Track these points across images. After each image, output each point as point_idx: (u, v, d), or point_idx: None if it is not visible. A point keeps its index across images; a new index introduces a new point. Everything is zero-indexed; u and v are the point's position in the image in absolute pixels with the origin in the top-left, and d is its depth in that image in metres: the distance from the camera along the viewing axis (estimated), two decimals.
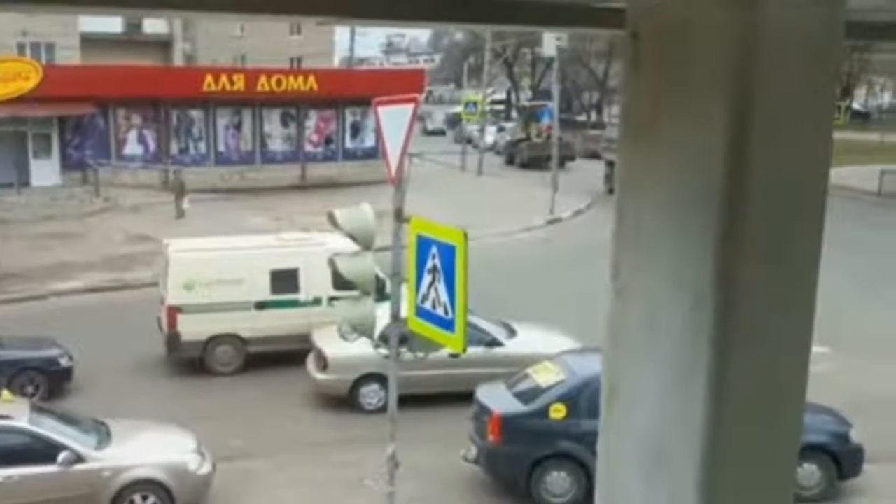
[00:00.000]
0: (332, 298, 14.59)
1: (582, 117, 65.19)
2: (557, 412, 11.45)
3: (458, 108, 49.83)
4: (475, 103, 43.55)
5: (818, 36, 2.22)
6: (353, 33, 50.82)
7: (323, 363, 14.48)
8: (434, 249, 7.27)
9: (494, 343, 14.64)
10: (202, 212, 29.76)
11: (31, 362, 14.85)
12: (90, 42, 40.40)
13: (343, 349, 14.02)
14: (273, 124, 36.11)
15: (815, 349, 2.56)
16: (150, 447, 11.61)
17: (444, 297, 7.18)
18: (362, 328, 8.69)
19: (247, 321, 15.92)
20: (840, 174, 29.74)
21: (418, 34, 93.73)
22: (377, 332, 8.86)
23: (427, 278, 7.35)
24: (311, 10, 2.44)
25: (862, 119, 60.55)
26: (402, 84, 28.81)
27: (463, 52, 68.48)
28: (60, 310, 19.68)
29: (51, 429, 11.11)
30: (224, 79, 33.88)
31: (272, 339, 15.72)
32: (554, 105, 37.87)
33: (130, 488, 11.03)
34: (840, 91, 52.94)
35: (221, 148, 35.27)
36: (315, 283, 15.64)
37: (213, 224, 27.56)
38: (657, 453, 2.51)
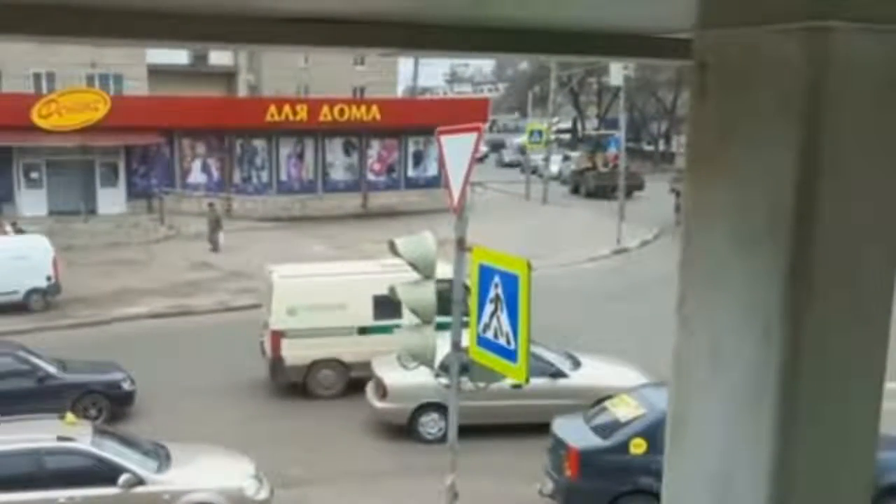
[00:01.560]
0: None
1: (650, 147, 64.81)
2: (638, 447, 11.31)
3: (524, 137, 49.96)
4: (540, 132, 43.58)
5: (888, 61, 2.22)
6: (416, 63, 51.40)
7: (382, 391, 14.56)
8: (497, 279, 7.30)
9: (558, 374, 14.56)
10: (260, 240, 30.31)
11: (95, 386, 15.28)
12: (157, 73, 41.60)
13: (403, 378, 14.07)
14: (335, 153, 36.67)
15: (891, 385, 2.53)
16: (209, 471, 11.81)
17: (506, 326, 7.20)
18: (422, 357, 8.72)
19: (349, 346, 16.25)
20: None
21: (482, 64, 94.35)
22: (437, 360, 8.88)
23: (489, 307, 7.38)
24: (374, 42, 2.50)
25: None
26: (465, 113, 29.01)
27: (528, 81, 68.68)
28: (123, 335, 20.16)
29: (112, 451, 11.41)
30: (287, 109, 34.59)
31: None
32: (621, 134, 37.76)
33: None
34: None
35: (283, 177, 35.91)
36: None
37: (266, 253, 28.06)
38: (724, 487, 2.50)
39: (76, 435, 11.56)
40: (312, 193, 36.05)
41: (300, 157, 36.22)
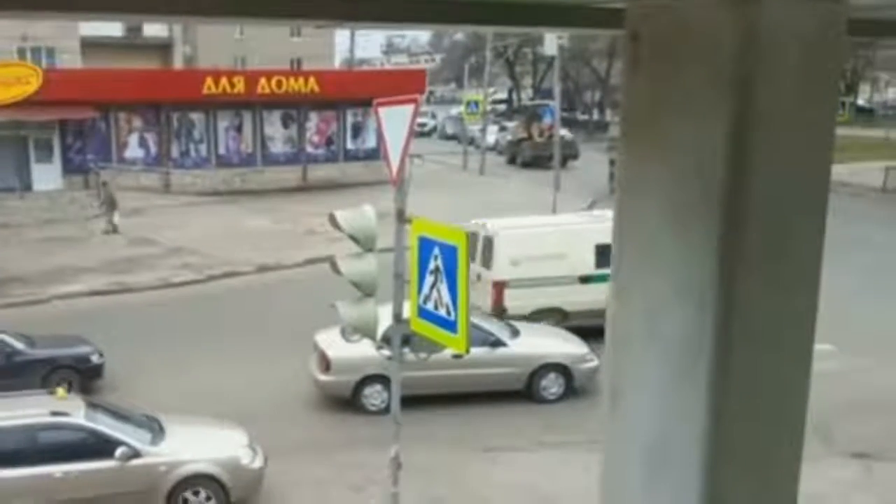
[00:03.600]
0: None
1: (585, 116, 65.17)
2: None
3: (461, 108, 49.84)
4: (476, 103, 43.52)
5: (819, 33, 2.22)
6: (353, 35, 50.83)
7: (326, 364, 14.49)
8: (436, 250, 7.28)
9: (498, 343, 14.64)
10: (199, 215, 29.85)
11: (64, 360, 14.99)
12: (90, 46, 40.45)
13: (345, 350, 14.04)
14: (274, 126, 36.14)
15: (820, 347, 2.56)
16: (203, 442, 11.74)
17: (446, 297, 7.19)
18: (364, 329, 8.69)
19: (570, 295, 16.61)
20: (844, 171, 29.74)
21: (418, 34, 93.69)
22: (379, 333, 8.86)
23: (429, 279, 7.36)
24: (310, 14, 2.44)
25: (867, 115, 60.45)
26: (403, 84, 28.81)
27: (464, 51, 68.43)
28: (62, 313, 19.72)
29: (106, 424, 11.27)
30: (224, 81, 33.91)
31: (594, 312, 16.22)
32: (556, 104, 37.86)
33: (185, 483, 11.17)
34: (844, 87, 52.84)
35: (222, 150, 35.31)
36: None
37: (206, 228, 27.66)
38: (660, 455, 2.51)
39: (69, 409, 11.36)
40: (252, 167, 35.52)
41: (238, 130, 35.62)
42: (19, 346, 15.02)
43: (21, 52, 37.48)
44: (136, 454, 10.98)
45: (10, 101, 29.78)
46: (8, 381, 13.52)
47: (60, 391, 12.25)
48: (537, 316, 16.69)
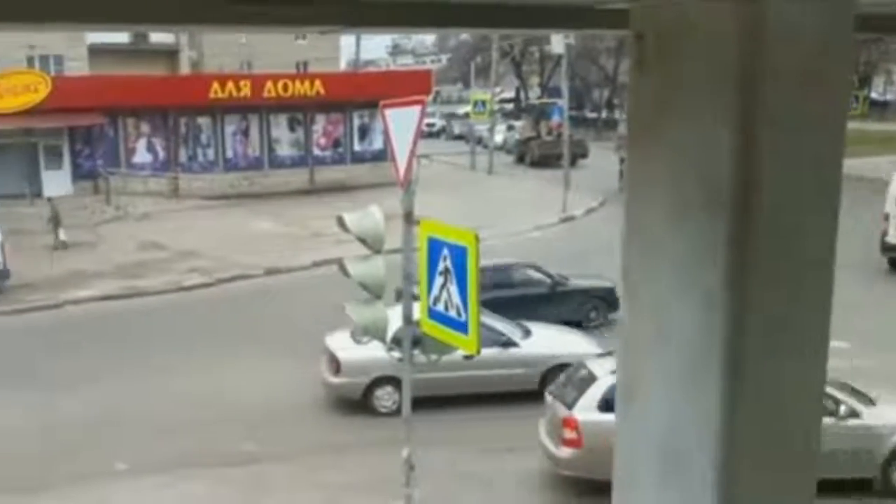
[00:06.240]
0: None
1: (593, 114, 65.06)
2: None
3: (467, 108, 49.86)
4: (483, 102, 43.49)
5: (825, 30, 2.21)
6: (358, 37, 50.85)
7: (336, 367, 14.50)
8: (445, 251, 7.27)
9: (509, 343, 14.62)
10: (207, 218, 29.93)
11: (596, 292, 18.13)
12: (98, 53, 40.59)
13: (356, 352, 14.04)
14: (280, 129, 36.24)
15: (834, 344, 2.55)
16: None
17: (456, 298, 7.18)
18: (374, 331, 8.69)
19: None
20: (862, 165, 29.53)
21: (424, 36, 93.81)
22: (389, 334, 8.86)
23: (439, 280, 7.35)
24: (314, 21, 2.44)
25: (881, 108, 59.99)
26: (408, 85, 28.81)
27: (470, 51, 68.34)
28: (75, 318, 19.82)
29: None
30: (230, 85, 34.05)
31: None
32: (564, 102, 37.81)
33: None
34: (858, 80, 52.44)
35: (229, 154, 35.43)
36: None
37: (219, 229, 27.74)
38: (673, 455, 2.50)
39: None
40: (259, 170, 35.62)
41: (245, 133, 35.73)
42: (559, 279, 18.35)
43: (29, 60, 37.64)
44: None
45: (20, 108, 29.99)
46: (553, 308, 17.30)
47: None
48: None
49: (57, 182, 31.92)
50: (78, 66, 39.56)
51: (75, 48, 39.58)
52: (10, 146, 30.80)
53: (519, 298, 17.08)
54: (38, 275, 22.71)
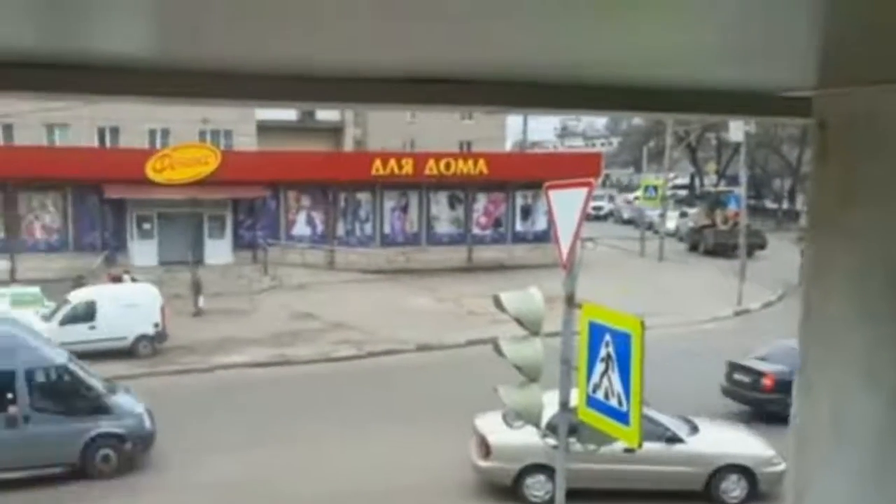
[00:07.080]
0: None
1: (774, 205, 63.38)
2: None
3: (638, 193, 49.64)
4: (655, 188, 43.32)
5: None
6: (525, 117, 51.80)
7: (486, 450, 14.52)
8: (608, 337, 7.29)
9: (674, 439, 14.28)
10: (362, 291, 30.83)
11: None
12: (266, 129, 43.15)
13: (507, 437, 14.04)
14: (440, 206, 37.24)
15: None
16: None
17: (617, 387, 7.16)
18: (528, 416, 8.69)
19: None
20: None
21: (595, 118, 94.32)
22: (544, 420, 8.85)
23: (600, 367, 7.37)
24: (478, 101, 2.64)
25: None
26: (576, 167, 29.08)
27: (643, 135, 68.31)
28: (225, 382, 20.84)
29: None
30: (392, 163, 35.48)
31: None
32: (741, 190, 37.12)
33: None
34: None
35: (387, 229, 36.61)
36: None
37: (373, 303, 28.51)
38: None
39: None
40: (416, 246, 36.62)
41: (404, 209, 36.91)
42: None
43: (202, 135, 40.39)
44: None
45: (190, 180, 32.28)
46: None
47: None
48: None
49: (219, 251, 33.87)
50: (247, 142, 42.12)
51: (245, 124, 42.23)
52: (178, 215, 33.03)
53: None
54: (193, 338, 24.09)
